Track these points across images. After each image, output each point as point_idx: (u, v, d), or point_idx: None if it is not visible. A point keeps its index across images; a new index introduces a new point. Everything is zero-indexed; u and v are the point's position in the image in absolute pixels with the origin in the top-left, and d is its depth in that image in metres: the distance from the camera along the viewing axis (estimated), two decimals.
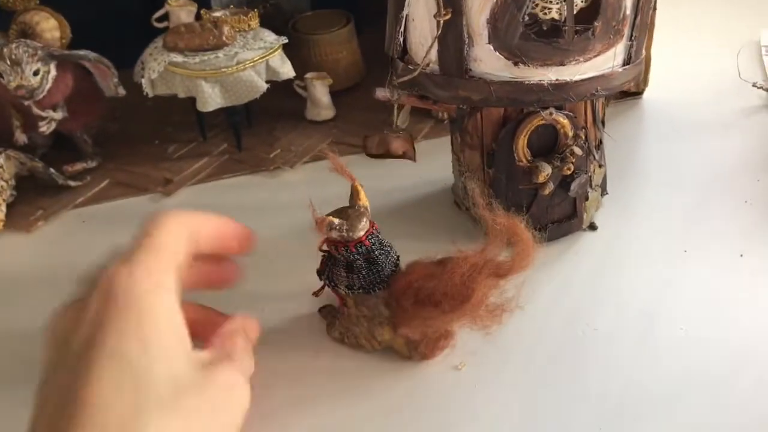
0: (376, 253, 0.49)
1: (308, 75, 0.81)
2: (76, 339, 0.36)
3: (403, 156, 0.57)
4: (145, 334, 0.35)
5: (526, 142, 0.56)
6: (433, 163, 0.71)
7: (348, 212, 0.48)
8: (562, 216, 0.62)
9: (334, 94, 0.84)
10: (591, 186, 0.62)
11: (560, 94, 0.51)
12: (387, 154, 0.56)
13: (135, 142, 0.82)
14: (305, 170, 0.77)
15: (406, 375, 0.52)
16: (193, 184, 0.76)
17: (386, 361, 0.53)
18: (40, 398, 0.36)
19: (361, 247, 0.48)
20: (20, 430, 0.36)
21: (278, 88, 0.79)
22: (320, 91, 0.81)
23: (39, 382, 0.37)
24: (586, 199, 0.62)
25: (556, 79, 0.51)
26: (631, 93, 0.82)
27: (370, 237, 0.48)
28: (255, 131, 0.82)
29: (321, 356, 0.54)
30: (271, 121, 0.83)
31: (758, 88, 0.81)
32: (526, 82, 0.51)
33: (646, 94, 0.84)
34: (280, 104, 0.84)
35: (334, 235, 0.47)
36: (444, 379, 0.52)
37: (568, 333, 0.55)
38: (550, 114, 0.55)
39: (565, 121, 0.55)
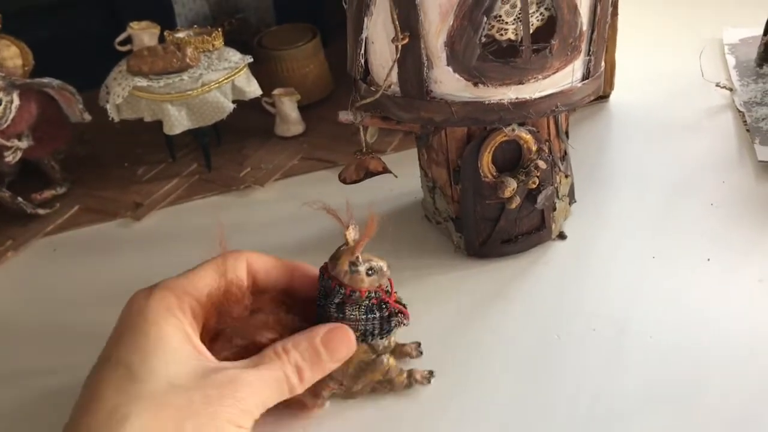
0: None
1: (276, 91, 0.80)
2: (105, 350, 0.42)
3: (383, 171, 0.57)
4: (149, 347, 0.40)
5: (490, 158, 0.56)
6: (403, 176, 0.71)
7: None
8: (530, 227, 0.62)
9: (303, 108, 0.84)
10: (558, 197, 0.62)
11: (521, 112, 0.52)
12: (366, 176, 0.56)
13: (104, 165, 0.82)
14: (276, 188, 0.77)
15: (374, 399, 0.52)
16: (163, 206, 0.75)
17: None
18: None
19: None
20: None
21: (246, 105, 0.78)
22: (288, 107, 0.81)
23: None
24: (554, 209, 0.62)
25: (516, 98, 0.52)
26: (597, 97, 0.83)
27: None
28: (224, 149, 0.82)
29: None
30: (240, 139, 0.83)
31: (721, 87, 0.82)
32: (487, 102, 0.51)
33: (612, 97, 0.84)
34: (249, 121, 0.84)
35: (366, 279, 0.47)
36: (414, 393, 0.52)
37: (539, 343, 0.55)
38: (513, 130, 0.55)
39: (528, 137, 0.56)
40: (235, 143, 0.83)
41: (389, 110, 0.54)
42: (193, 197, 0.76)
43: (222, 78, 0.73)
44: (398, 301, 0.49)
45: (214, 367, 0.41)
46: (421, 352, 0.54)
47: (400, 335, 0.52)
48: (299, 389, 0.44)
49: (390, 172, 0.58)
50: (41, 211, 0.74)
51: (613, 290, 0.59)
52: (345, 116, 0.55)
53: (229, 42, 0.80)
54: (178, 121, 0.72)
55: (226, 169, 0.79)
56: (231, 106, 0.74)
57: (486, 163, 0.56)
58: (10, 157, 0.72)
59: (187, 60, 0.72)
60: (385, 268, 0.47)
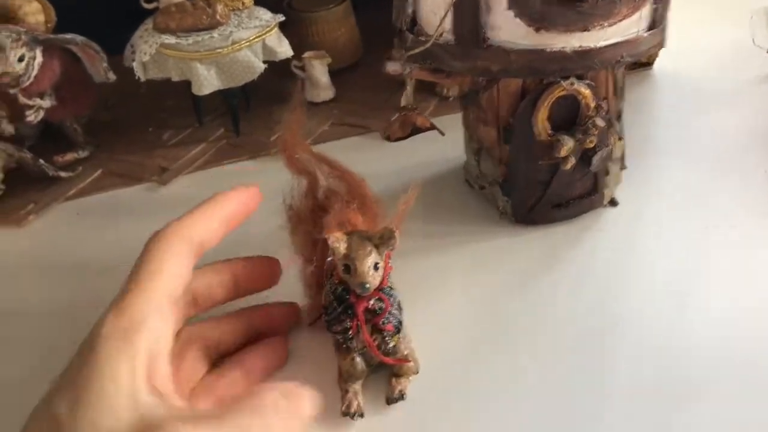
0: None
1: (306, 54, 0.77)
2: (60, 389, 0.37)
3: (431, 128, 0.53)
4: (83, 391, 0.34)
5: (546, 115, 0.53)
6: (440, 142, 0.68)
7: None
8: (582, 192, 0.59)
9: (332, 73, 0.80)
10: (611, 160, 0.59)
11: (584, 62, 0.48)
12: (412, 132, 0.53)
13: (128, 130, 0.79)
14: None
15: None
16: (189, 171, 0.72)
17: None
18: None
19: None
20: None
21: (275, 69, 0.75)
22: (319, 70, 0.78)
23: None
24: (607, 173, 0.59)
25: (580, 46, 0.48)
26: (641, 64, 0.79)
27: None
28: (253, 115, 0.79)
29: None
30: (270, 104, 0.80)
31: None
32: (548, 50, 0.48)
33: (656, 65, 0.81)
34: (278, 86, 0.81)
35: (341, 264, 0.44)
36: (464, 370, 0.49)
37: (597, 314, 0.52)
38: (572, 84, 0.52)
39: (587, 92, 0.52)
40: (265, 108, 0.80)
41: (441, 60, 0.51)
42: (221, 162, 0.73)
43: (253, 36, 0.70)
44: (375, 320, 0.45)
45: (157, 419, 0.34)
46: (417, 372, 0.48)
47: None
48: None
49: (437, 128, 0.55)
50: (63, 174, 0.71)
51: (670, 261, 0.56)
52: (392, 67, 0.51)
53: (258, 2, 0.76)
54: (208, 81, 0.69)
55: (256, 135, 0.76)
56: (262, 66, 0.71)
57: (541, 121, 0.53)
58: (32, 117, 0.68)
59: (218, 17, 0.69)
60: (362, 268, 0.42)
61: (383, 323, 0.45)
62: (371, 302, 0.44)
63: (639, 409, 0.45)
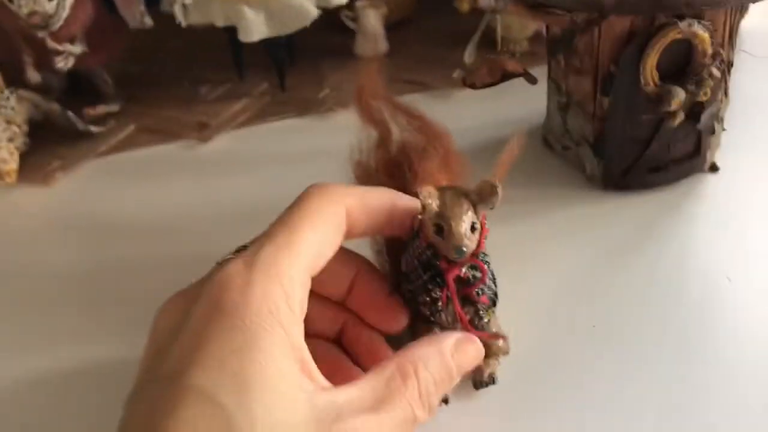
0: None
1: (359, 3, 0.70)
2: (174, 352, 0.28)
3: (524, 73, 0.47)
4: (249, 383, 0.27)
5: (655, 62, 0.46)
6: (511, 102, 0.61)
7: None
8: (683, 154, 0.52)
9: (386, 28, 0.73)
10: (717, 119, 0.52)
11: None
12: (501, 79, 0.46)
13: (161, 84, 0.72)
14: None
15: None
16: (232, 128, 0.66)
17: None
18: (125, 417, 0.28)
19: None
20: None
21: (322, 20, 0.68)
22: (374, 21, 0.71)
23: (131, 391, 0.29)
24: (712, 132, 0.52)
25: None
26: None
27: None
28: (299, 69, 0.72)
29: None
30: (316, 58, 0.74)
31: None
32: None
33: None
34: (325, 39, 0.74)
35: (431, 227, 0.37)
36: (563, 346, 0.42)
37: (704, 291, 0.45)
38: (689, 26, 0.45)
39: (705, 35, 0.46)
40: (311, 62, 0.73)
41: None
42: (267, 119, 0.66)
43: None
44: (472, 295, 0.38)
45: (333, 415, 0.28)
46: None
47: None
48: (423, 422, 0.32)
49: (530, 74, 0.48)
50: (94, 129, 0.64)
51: None
52: (486, 0, 0.44)
53: None
54: (256, 27, 0.62)
55: (302, 90, 0.70)
56: (315, 12, 0.64)
57: (650, 68, 0.46)
58: (62, 63, 0.62)
59: None
60: (458, 229, 0.35)
61: (477, 294, 0.38)
62: (464, 270, 0.37)
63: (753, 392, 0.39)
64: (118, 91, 0.68)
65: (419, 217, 0.38)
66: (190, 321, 0.28)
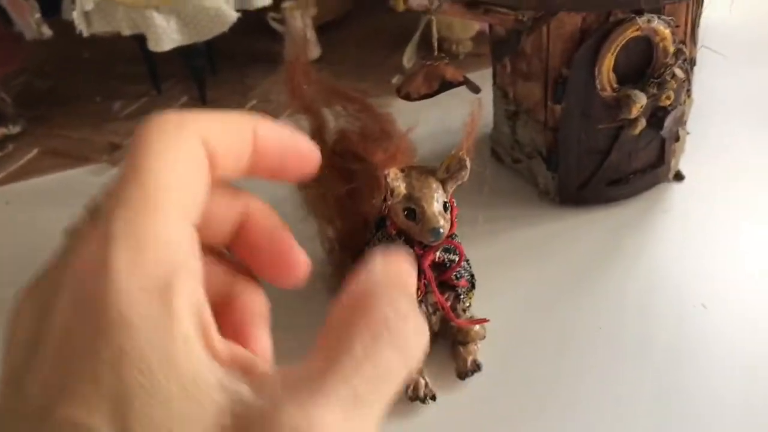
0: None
1: (286, 4, 0.64)
2: (36, 375, 0.20)
3: (464, 82, 0.41)
4: (130, 389, 0.19)
5: (612, 63, 0.41)
6: (456, 108, 0.55)
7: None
8: (646, 164, 0.47)
9: (317, 29, 0.67)
10: (682, 123, 0.47)
11: None
12: (439, 89, 0.40)
13: (70, 100, 0.65)
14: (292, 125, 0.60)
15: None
16: None
17: None
18: None
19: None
20: None
21: (246, 24, 0.62)
22: (302, 23, 0.64)
23: None
24: (677, 139, 0.47)
25: None
26: None
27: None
28: (222, 79, 0.66)
29: None
30: (241, 66, 0.67)
31: None
32: None
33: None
34: (250, 45, 0.68)
35: (401, 215, 0.34)
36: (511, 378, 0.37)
37: (677, 312, 0.40)
38: (648, 22, 0.39)
39: (667, 32, 0.40)
40: (235, 71, 0.67)
41: None
42: None
43: None
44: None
45: (249, 402, 0.19)
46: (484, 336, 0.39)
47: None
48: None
49: (471, 83, 0.42)
50: None
51: (753, 242, 0.45)
52: (417, 0, 0.38)
53: None
54: (167, 34, 0.55)
55: (226, 102, 0.63)
56: (234, 15, 0.57)
57: (606, 71, 0.41)
58: None
59: None
60: (431, 210, 0.33)
61: (456, 278, 0.36)
62: (438, 254, 0.35)
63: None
64: (19, 110, 0.61)
65: (387, 203, 0.34)
66: (50, 327, 0.21)
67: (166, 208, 0.21)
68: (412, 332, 0.21)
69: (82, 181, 0.56)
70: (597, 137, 0.44)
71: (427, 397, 0.36)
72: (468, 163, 0.34)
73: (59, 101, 0.65)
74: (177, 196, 0.22)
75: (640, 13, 0.39)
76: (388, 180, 0.32)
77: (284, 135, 0.26)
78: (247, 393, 0.20)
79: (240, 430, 0.19)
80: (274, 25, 0.66)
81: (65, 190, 0.56)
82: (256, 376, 0.20)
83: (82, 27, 0.56)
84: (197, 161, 0.22)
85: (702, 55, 0.51)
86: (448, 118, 0.56)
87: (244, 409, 0.19)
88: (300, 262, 0.26)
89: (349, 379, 0.19)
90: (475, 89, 0.42)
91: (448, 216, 0.34)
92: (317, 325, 0.41)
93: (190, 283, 0.20)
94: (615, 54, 0.41)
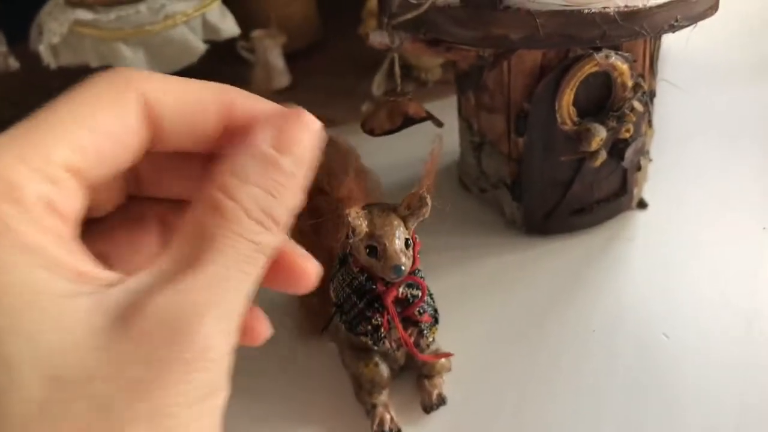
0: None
1: (256, 33, 0.64)
2: None
3: (427, 117, 0.41)
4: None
5: (572, 97, 0.41)
6: (424, 138, 0.56)
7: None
8: (609, 193, 0.48)
9: (287, 57, 0.68)
10: (643, 153, 0.48)
11: (631, 27, 0.37)
12: (402, 125, 0.41)
13: None
14: None
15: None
16: None
17: None
18: None
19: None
20: None
21: (217, 52, 0.62)
22: (272, 52, 0.65)
23: None
24: (638, 169, 0.48)
25: (626, 6, 0.37)
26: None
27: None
28: None
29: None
30: None
31: None
32: (585, 12, 0.36)
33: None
34: (220, 72, 0.68)
35: (363, 254, 0.35)
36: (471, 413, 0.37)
37: (639, 346, 0.41)
38: (606, 57, 0.40)
39: (624, 67, 0.41)
40: None
41: (441, 28, 0.39)
42: None
43: (190, 10, 0.57)
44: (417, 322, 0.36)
45: (129, 308, 0.19)
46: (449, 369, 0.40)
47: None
48: (277, 244, 0.22)
49: (434, 118, 0.43)
50: None
51: (726, 273, 0.45)
52: (378, 38, 0.39)
53: None
54: (135, 66, 0.55)
55: None
56: (202, 47, 0.58)
57: (566, 105, 0.42)
58: None
59: None
60: (393, 247, 0.33)
61: (419, 313, 0.36)
62: (401, 290, 0.35)
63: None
64: None
65: (348, 240, 0.34)
66: None
67: (46, 133, 0.20)
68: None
69: None
70: (559, 169, 0.45)
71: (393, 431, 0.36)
72: (429, 201, 0.34)
73: None
74: (69, 128, 0.20)
75: (598, 49, 0.40)
76: (350, 219, 0.33)
77: (264, 107, 0.25)
78: (108, 302, 0.19)
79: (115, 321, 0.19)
80: (244, 53, 0.66)
81: None
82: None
83: (49, 60, 0.56)
84: (120, 111, 0.21)
85: (662, 86, 0.52)
86: (413, 148, 0.56)
87: (112, 315, 0.19)
88: (308, 267, 0.25)
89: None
90: (438, 124, 0.42)
91: (410, 252, 0.34)
92: (291, 368, 0.41)
93: (41, 199, 0.20)
94: (574, 89, 0.41)
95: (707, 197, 0.51)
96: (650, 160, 0.51)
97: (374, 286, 0.35)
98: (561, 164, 0.45)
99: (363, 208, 0.34)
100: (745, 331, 0.41)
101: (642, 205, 0.50)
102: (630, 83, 0.42)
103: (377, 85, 0.61)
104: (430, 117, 0.42)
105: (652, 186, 0.51)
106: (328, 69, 0.70)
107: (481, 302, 0.45)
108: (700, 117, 0.60)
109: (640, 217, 0.50)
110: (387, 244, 0.33)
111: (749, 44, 0.69)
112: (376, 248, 0.33)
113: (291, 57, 0.68)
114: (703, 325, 0.42)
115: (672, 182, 0.53)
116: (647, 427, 0.36)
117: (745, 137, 0.57)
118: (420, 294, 0.36)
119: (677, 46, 0.67)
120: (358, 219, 0.33)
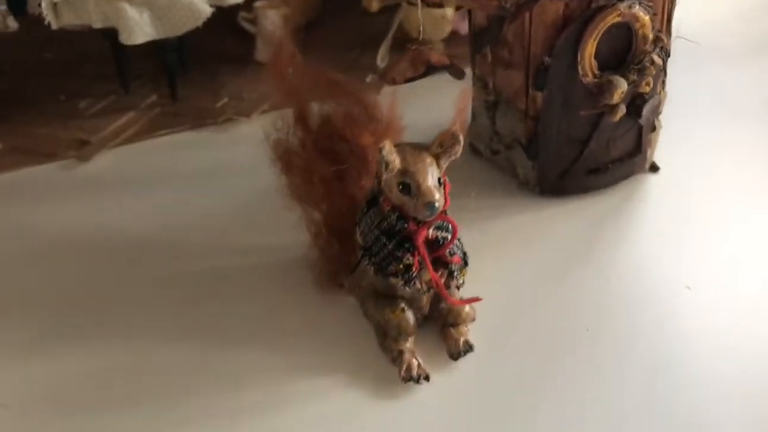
0: None
1: (258, 3, 0.64)
2: None
3: (450, 65, 0.41)
4: None
5: (594, 49, 0.41)
6: (426, 107, 0.56)
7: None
8: (624, 152, 0.48)
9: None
10: (657, 114, 0.48)
11: None
12: (427, 71, 0.41)
13: (34, 99, 0.63)
14: (265, 121, 0.59)
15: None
16: (117, 144, 0.58)
17: None
18: None
19: None
20: None
21: (217, 24, 0.61)
22: (274, 23, 0.64)
23: None
24: (653, 129, 0.48)
25: None
26: None
27: None
28: (192, 78, 0.65)
29: None
30: (212, 65, 0.66)
31: None
32: None
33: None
34: (222, 43, 0.67)
35: (395, 191, 0.35)
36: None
37: (663, 295, 0.41)
38: (630, 7, 0.40)
39: (647, 18, 0.41)
40: (206, 70, 0.66)
41: None
42: (157, 133, 0.59)
43: None
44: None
45: None
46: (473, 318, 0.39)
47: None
48: None
49: (457, 66, 0.42)
50: None
51: (737, 231, 0.45)
52: None
53: None
54: (139, 27, 0.54)
55: (197, 100, 0.62)
56: (208, 10, 0.57)
57: (588, 57, 0.42)
58: None
59: None
60: (427, 184, 0.34)
61: (450, 254, 0.36)
62: (431, 231, 0.35)
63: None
64: None
65: (380, 178, 0.35)
66: None
67: None
68: None
69: (49, 176, 0.55)
70: (577, 125, 0.45)
71: (421, 377, 0.36)
72: (461, 138, 0.34)
73: (23, 99, 0.64)
74: None
75: None
76: (383, 153, 0.32)
77: None
78: None
79: None
80: (245, 24, 0.65)
81: (32, 185, 0.54)
82: None
83: (50, 19, 0.55)
84: None
85: (674, 52, 0.52)
86: (432, 107, 0.56)
87: None
88: None
89: None
90: (460, 74, 0.42)
91: (442, 192, 0.34)
92: (304, 321, 0.40)
93: None
94: (597, 40, 0.41)
95: (714, 162, 0.52)
96: (660, 126, 0.51)
97: (406, 225, 0.34)
98: (579, 120, 0.44)
99: (395, 146, 0.34)
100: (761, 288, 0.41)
101: (654, 168, 0.50)
102: (651, 36, 0.42)
103: (381, 58, 0.61)
104: (453, 65, 0.42)
105: (662, 151, 0.51)
106: (330, 43, 0.69)
107: (498, 262, 0.44)
108: (708, 87, 0.61)
109: (652, 179, 0.50)
110: (420, 180, 0.33)
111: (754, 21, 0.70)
112: (409, 185, 0.33)
113: (292, 33, 0.68)
114: (724, 279, 0.42)
115: (681, 148, 0.53)
116: (672, 374, 0.36)
117: (749, 109, 0.58)
118: (450, 236, 0.36)
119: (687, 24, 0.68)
120: (391, 153, 0.33)
